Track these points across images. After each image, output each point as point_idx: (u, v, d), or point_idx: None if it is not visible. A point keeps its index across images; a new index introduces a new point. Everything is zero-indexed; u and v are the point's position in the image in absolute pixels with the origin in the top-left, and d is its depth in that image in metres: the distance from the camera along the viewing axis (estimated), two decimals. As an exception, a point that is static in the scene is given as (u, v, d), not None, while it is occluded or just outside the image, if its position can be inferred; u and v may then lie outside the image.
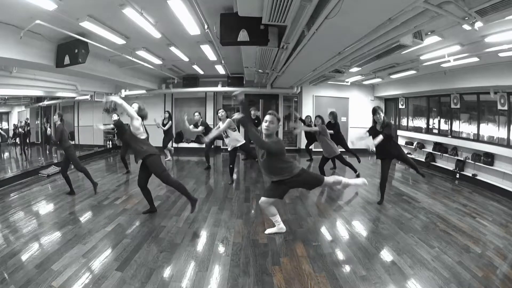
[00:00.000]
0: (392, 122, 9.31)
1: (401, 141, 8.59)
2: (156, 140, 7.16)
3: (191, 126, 6.59)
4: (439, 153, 6.95)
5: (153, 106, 9.91)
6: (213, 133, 5.22)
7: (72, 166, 4.76)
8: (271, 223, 3.37)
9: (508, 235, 3.32)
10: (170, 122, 7.78)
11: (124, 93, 9.40)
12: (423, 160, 7.51)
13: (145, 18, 3.65)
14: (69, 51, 4.53)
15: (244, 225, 3.51)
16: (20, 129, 9.69)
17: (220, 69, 7.81)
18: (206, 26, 3.83)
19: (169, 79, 9.03)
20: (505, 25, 3.40)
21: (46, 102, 10.41)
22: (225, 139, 5.52)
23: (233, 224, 3.55)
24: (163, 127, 7.60)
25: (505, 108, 5.16)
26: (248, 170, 7.12)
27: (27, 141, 9.90)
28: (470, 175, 5.90)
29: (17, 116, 10.50)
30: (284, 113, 10.27)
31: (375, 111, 4.27)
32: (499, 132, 5.50)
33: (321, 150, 5.95)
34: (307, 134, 7.71)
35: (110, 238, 3.12)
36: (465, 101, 6.31)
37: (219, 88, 9.25)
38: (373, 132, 4.30)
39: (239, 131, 5.67)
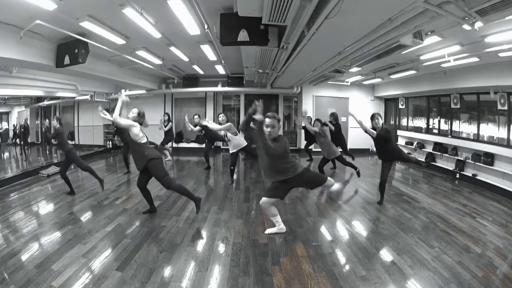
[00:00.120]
0: (392, 123, 9.33)
1: (401, 141, 8.60)
2: (156, 140, 7.17)
3: (191, 127, 6.60)
4: (439, 153, 6.95)
5: (153, 106, 9.91)
6: (210, 125, 5.41)
7: (72, 167, 4.76)
8: (271, 223, 3.37)
9: (508, 235, 3.32)
10: (170, 123, 7.79)
11: (124, 93, 9.38)
12: (423, 160, 7.51)
13: (145, 18, 3.65)
14: (69, 51, 4.53)
15: (244, 225, 3.51)
16: (18, 130, 9.69)
17: (220, 69, 7.81)
18: (206, 26, 3.83)
19: (169, 79, 9.03)
20: (505, 25, 3.40)
21: (46, 102, 10.41)
22: (227, 143, 5.53)
23: (233, 224, 3.55)
24: (164, 129, 7.60)
25: (505, 108, 5.16)
26: (248, 170, 7.13)
27: (27, 141, 9.90)
28: (470, 175, 5.90)
29: (17, 116, 10.50)
30: (284, 113, 10.27)
31: (373, 116, 4.30)
32: (499, 132, 5.50)
33: (320, 150, 5.96)
34: (307, 134, 7.71)
35: (110, 238, 3.12)
36: (465, 101, 6.31)
37: (219, 88, 9.25)
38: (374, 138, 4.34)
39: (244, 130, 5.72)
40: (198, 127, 6.61)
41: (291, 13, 2.77)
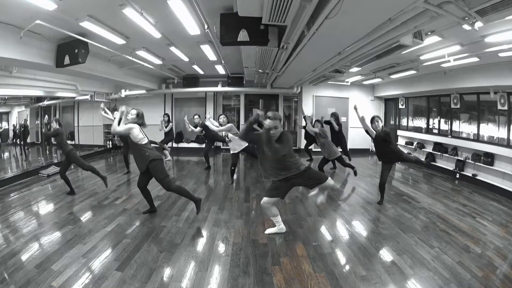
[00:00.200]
0: (392, 123, 9.33)
1: (401, 141, 8.60)
2: (156, 139, 7.16)
3: (191, 128, 6.60)
4: (439, 153, 6.95)
5: (153, 106, 9.91)
6: (213, 127, 5.41)
7: (72, 167, 4.76)
8: (271, 223, 3.37)
9: (508, 235, 3.32)
10: (171, 123, 7.78)
11: (124, 93, 9.40)
12: (423, 160, 7.51)
13: (145, 18, 3.65)
14: (69, 51, 4.53)
15: (244, 225, 3.51)
16: (18, 130, 9.69)
17: (220, 69, 7.81)
18: (206, 26, 3.83)
19: (169, 79, 9.03)
20: (505, 25, 3.40)
21: (46, 102, 10.41)
22: (228, 143, 5.52)
23: (233, 224, 3.55)
24: (164, 129, 7.60)
25: (505, 108, 5.16)
26: (248, 170, 7.12)
27: (27, 141, 9.90)
28: (470, 175, 5.90)
29: (17, 116, 10.50)
30: (284, 113, 10.27)
31: (373, 119, 4.31)
32: (499, 132, 5.50)
33: (320, 150, 5.95)
34: (307, 134, 7.71)
35: (110, 238, 3.12)
36: (465, 101, 6.31)
37: (219, 88, 9.25)
38: (374, 139, 4.36)
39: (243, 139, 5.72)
40: (198, 128, 6.61)
41: (291, 13, 2.77)
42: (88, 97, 8.98)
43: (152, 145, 3.88)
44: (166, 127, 7.58)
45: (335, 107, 9.33)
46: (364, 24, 2.94)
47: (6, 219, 3.65)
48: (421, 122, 8.08)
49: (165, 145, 7.70)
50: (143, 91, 9.35)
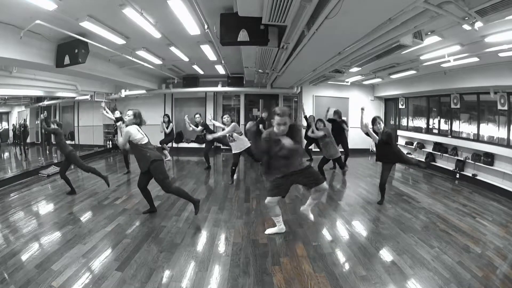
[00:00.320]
0: (392, 123, 9.33)
1: (401, 141, 8.60)
2: (156, 139, 7.17)
3: (192, 127, 6.59)
4: (439, 153, 6.95)
5: (153, 106, 9.91)
6: (218, 133, 5.28)
7: (72, 167, 4.76)
8: (271, 223, 3.37)
9: (508, 235, 3.32)
10: (171, 124, 7.78)
11: (124, 93, 9.40)
12: (423, 160, 7.51)
13: (145, 18, 3.65)
14: (69, 51, 4.53)
15: (244, 225, 3.51)
16: (18, 130, 9.69)
17: (220, 69, 7.81)
18: (206, 26, 3.83)
19: (169, 79, 9.03)
20: (505, 25, 3.40)
21: (46, 102, 10.41)
22: (230, 143, 5.47)
23: (233, 224, 3.55)
24: (166, 130, 7.59)
25: (505, 108, 5.16)
26: (248, 170, 7.12)
27: (26, 141, 9.90)
28: (470, 175, 5.90)
29: (17, 116, 10.49)
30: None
31: (374, 120, 4.28)
32: (499, 132, 5.50)
33: (318, 150, 5.93)
34: (306, 135, 7.71)
35: (110, 238, 3.12)
36: (465, 101, 6.31)
37: (219, 88, 9.25)
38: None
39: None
40: (200, 127, 6.59)
41: (291, 13, 2.77)
42: (88, 97, 8.98)
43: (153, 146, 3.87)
44: (166, 127, 7.58)
45: (335, 107, 9.31)
46: (364, 24, 2.94)
47: (6, 219, 3.65)
48: (421, 122, 8.08)
49: (164, 145, 7.71)
50: (143, 91, 9.35)
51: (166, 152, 7.83)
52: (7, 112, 10.48)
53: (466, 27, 3.01)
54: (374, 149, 4.36)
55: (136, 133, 3.56)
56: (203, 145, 7.93)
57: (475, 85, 5.55)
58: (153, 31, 4.12)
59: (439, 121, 7.23)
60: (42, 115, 6.44)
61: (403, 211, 4.06)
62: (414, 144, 8.05)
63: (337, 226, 3.60)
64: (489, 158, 5.50)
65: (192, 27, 4.00)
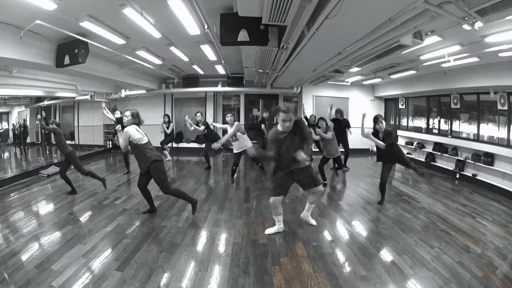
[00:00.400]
0: (392, 123, 9.32)
1: (401, 141, 8.59)
2: (157, 140, 7.17)
3: (194, 126, 6.58)
4: (439, 153, 6.95)
5: (153, 106, 9.92)
6: (224, 138, 5.19)
7: (72, 166, 4.76)
8: (271, 222, 3.37)
9: (508, 235, 3.32)
10: (171, 124, 7.78)
11: (124, 93, 9.40)
12: (423, 160, 7.51)
13: (145, 18, 3.65)
14: (69, 51, 4.53)
15: (244, 225, 3.51)
16: (17, 130, 9.70)
17: (220, 69, 7.81)
18: (206, 26, 3.83)
19: (169, 79, 9.03)
20: (505, 25, 3.40)
21: (46, 102, 10.41)
22: (233, 142, 5.42)
23: (233, 224, 3.55)
24: (166, 130, 7.58)
25: (505, 108, 5.16)
26: (248, 170, 7.12)
27: (26, 141, 9.91)
28: (470, 175, 5.90)
29: (17, 116, 10.50)
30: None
31: (376, 119, 4.23)
32: (499, 132, 5.50)
33: (317, 150, 5.92)
34: None
35: (110, 238, 3.12)
36: (465, 101, 6.31)
37: (219, 88, 9.25)
38: (375, 136, 4.31)
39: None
40: (202, 126, 6.57)
41: (291, 13, 2.77)
42: (88, 97, 8.99)
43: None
44: (167, 128, 7.57)
45: (335, 107, 9.31)
46: (364, 24, 2.94)
47: (6, 219, 3.65)
48: (421, 122, 8.08)
49: (165, 145, 7.71)
50: (143, 91, 9.35)
51: (166, 152, 7.83)
52: (7, 112, 10.48)
53: (466, 27, 3.01)
54: (374, 149, 4.34)
55: (135, 133, 3.55)
56: (203, 145, 7.94)
57: (475, 85, 5.55)
58: (153, 31, 4.12)
59: (439, 121, 7.23)
60: (39, 116, 6.44)
61: (403, 211, 4.06)
62: (414, 144, 8.05)
63: (337, 226, 3.60)
64: (489, 158, 5.50)
65: (192, 27, 4.00)
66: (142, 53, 5.62)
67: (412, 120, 8.50)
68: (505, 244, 3.10)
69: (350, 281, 2.37)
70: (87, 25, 3.82)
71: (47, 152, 9.77)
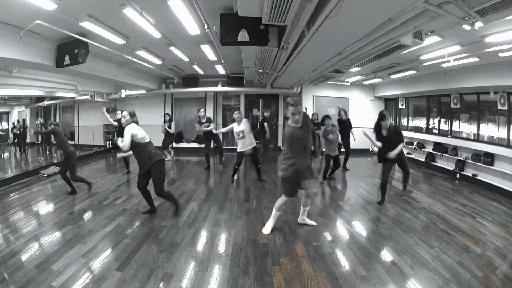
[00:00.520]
0: (392, 123, 9.31)
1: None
2: (157, 140, 7.16)
3: (203, 129, 6.57)
4: (439, 153, 6.95)
5: (153, 106, 9.92)
6: (248, 137, 5.20)
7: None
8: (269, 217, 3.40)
9: (508, 235, 3.32)
10: (173, 122, 7.77)
11: (124, 93, 9.40)
12: (423, 160, 7.51)
13: (145, 18, 3.65)
14: (69, 51, 4.53)
15: (244, 225, 3.51)
16: (16, 130, 9.70)
17: (220, 69, 7.81)
18: (206, 26, 3.83)
19: (169, 79, 9.04)
20: (505, 25, 3.40)
21: (46, 102, 10.42)
22: (239, 140, 5.30)
23: (233, 224, 3.55)
24: (169, 130, 7.56)
25: (505, 108, 5.16)
26: (248, 170, 7.12)
27: (26, 141, 9.91)
28: (470, 175, 5.90)
29: (17, 116, 10.50)
30: (285, 115, 10.25)
31: (384, 116, 4.12)
32: (499, 132, 5.50)
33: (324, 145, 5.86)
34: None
35: (110, 238, 3.12)
36: (465, 101, 6.31)
37: (219, 88, 9.25)
38: (379, 135, 4.23)
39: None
40: (212, 125, 6.58)
41: (291, 13, 2.77)
42: (88, 97, 8.99)
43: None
44: (169, 127, 7.54)
45: (335, 107, 9.32)
46: (364, 24, 2.94)
47: (6, 219, 3.65)
48: (421, 122, 8.08)
49: (169, 148, 7.74)
50: (143, 91, 9.36)
51: (166, 152, 7.84)
52: (7, 112, 10.48)
53: (466, 27, 3.01)
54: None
55: (139, 130, 3.49)
56: (203, 145, 7.94)
57: (475, 85, 5.55)
58: (153, 31, 4.12)
59: (439, 121, 7.23)
60: (33, 130, 6.37)
61: (403, 211, 4.06)
62: (414, 144, 8.05)
63: (337, 226, 3.60)
64: (489, 158, 5.51)
65: (192, 27, 4.00)
66: (142, 53, 5.63)
67: (412, 120, 8.50)
68: (505, 244, 3.10)
69: (350, 281, 2.37)
70: (87, 25, 3.82)
71: (47, 152, 9.78)
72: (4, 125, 10.13)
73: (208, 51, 5.64)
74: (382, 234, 3.30)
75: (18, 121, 10.00)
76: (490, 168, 5.48)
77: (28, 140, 10.06)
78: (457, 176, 6.22)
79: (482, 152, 5.68)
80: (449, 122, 6.82)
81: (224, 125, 10.00)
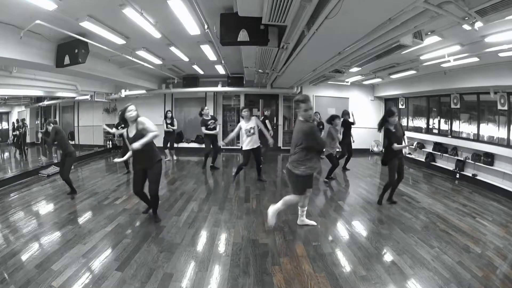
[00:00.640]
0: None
1: (401, 141, 8.58)
2: (157, 140, 7.15)
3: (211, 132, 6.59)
4: (439, 153, 6.95)
5: (153, 106, 9.91)
6: (268, 134, 5.47)
7: (73, 167, 4.76)
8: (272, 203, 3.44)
9: (508, 235, 3.32)
10: (175, 120, 7.75)
11: (124, 93, 9.40)
12: (423, 160, 7.51)
13: (145, 18, 3.65)
14: (69, 51, 4.53)
15: (244, 225, 3.51)
16: (16, 130, 9.71)
17: (220, 69, 7.81)
18: (206, 26, 3.83)
19: (169, 79, 9.03)
20: (505, 25, 3.40)
21: (46, 102, 10.43)
22: (247, 137, 5.24)
23: (233, 224, 3.55)
24: (172, 127, 7.53)
25: (505, 108, 5.16)
26: (248, 170, 7.11)
27: (25, 141, 9.92)
28: (470, 175, 5.90)
29: (17, 116, 10.51)
30: (284, 113, 10.25)
31: (393, 113, 4.02)
32: (499, 132, 5.50)
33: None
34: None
35: (110, 238, 3.12)
36: (465, 101, 6.31)
37: (219, 88, 9.25)
38: (388, 132, 4.11)
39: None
40: (218, 127, 6.65)
41: (291, 13, 2.77)
42: (88, 97, 8.99)
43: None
44: (171, 124, 7.51)
45: (335, 107, 9.33)
46: (364, 24, 2.94)
47: (6, 219, 3.65)
48: (421, 122, 8.08)
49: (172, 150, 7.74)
50: (143, 91, 9.35)
51: (167, 153, 7.84)
52: (7, 112, 10.49)
53: (466, 27, 3.01)
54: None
55: (151, 124, 3.31)
56: (203, 145, 7.94)
57: (475, 85, 5.55)
58: (153, 31, 4.12)
59: (439, 121, 7.23)
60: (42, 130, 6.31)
61: (403, 211, 4.06)
62: (414, 144, 8.01)
63: (337, 226, 3.60)
64: (489, 158, 5.51)
65: (192, 27, 4.00)
66: (142, 53, 5.62)
67: (412, 120, 8.50)
68: (505, 244, 3.10)
69: (350, 281, 2.37)
70: (87, 25, 3.82)
71: (47, 152, 9.78)
72: (4, 125, 10.13)
73: (208, 51, 5.64)
74: (382, 234, 3.30)
75: (17, 120, 10.01)
76: (490, 168, 5.48)
77: (28, 140, 10.07)
78: (457, 176, 6.23)
79: (482, 152, 5.69)
80: (449, 122, 6.82)
81: (224, 125, 10.02)
